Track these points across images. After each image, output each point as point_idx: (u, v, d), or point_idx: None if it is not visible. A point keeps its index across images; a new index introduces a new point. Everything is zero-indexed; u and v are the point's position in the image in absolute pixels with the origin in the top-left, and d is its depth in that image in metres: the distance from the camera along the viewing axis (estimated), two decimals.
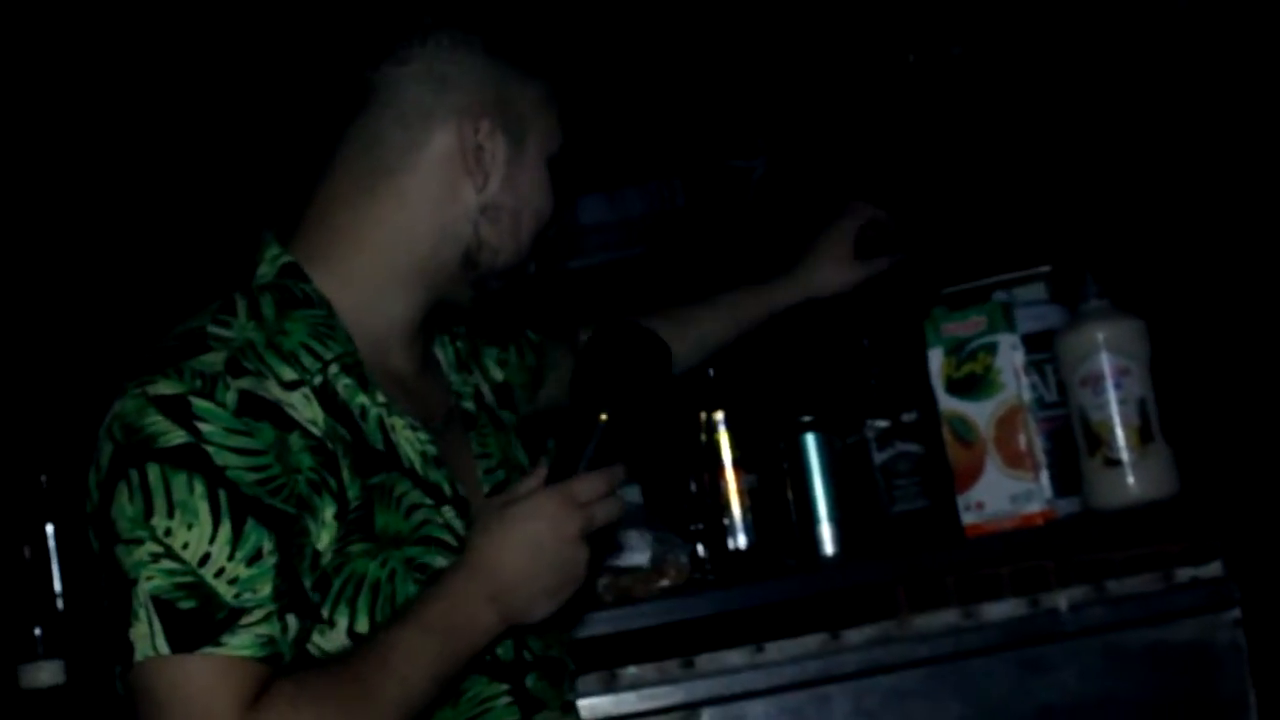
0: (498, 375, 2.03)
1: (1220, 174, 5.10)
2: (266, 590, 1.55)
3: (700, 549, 2.60)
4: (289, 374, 1.65)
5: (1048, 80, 5.33)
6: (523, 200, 1.79)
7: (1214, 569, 2.45)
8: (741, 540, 2.56)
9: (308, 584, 1.60)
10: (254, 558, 1.55)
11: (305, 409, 1.64)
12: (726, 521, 2.56)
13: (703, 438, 2.57)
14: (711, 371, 2.58)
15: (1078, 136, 5.31)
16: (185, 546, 1.54)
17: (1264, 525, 2.58)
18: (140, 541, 1.55)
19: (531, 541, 1.63)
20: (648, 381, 1.72)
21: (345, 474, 1.65)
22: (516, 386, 2.07)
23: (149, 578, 1.54)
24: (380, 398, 1.72)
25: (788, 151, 5.69)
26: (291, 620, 1.57)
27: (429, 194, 1.75)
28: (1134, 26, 5.18)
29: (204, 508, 1.55)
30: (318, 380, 1.68)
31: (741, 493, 2.56)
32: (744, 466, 2.57)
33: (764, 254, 5.46)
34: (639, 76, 5.52)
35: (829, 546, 2.54)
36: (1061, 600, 2.45)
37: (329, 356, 1.70)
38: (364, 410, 1.70)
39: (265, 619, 1.55)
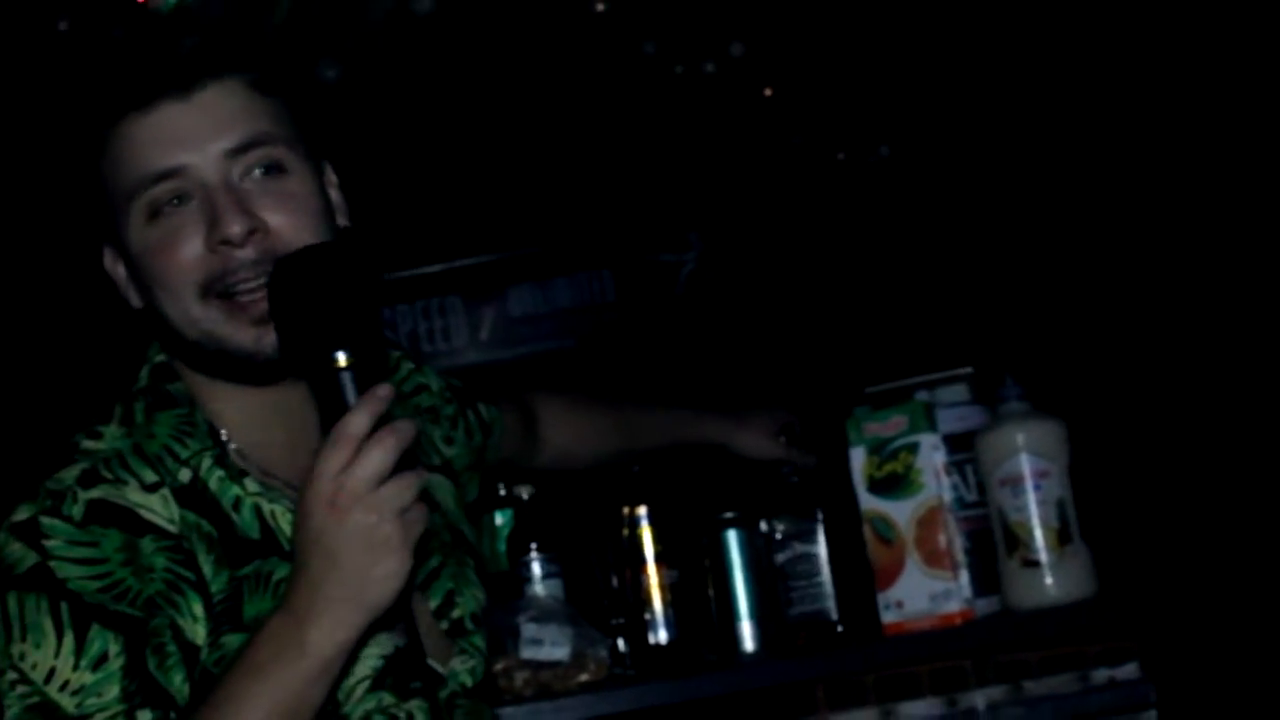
0: (446, 452, 2.03)
1: (1141, 281, 5.18)
2: (113, 692, 1.57)
3: (621, 644, 2.59)
4: (150, 477, 1.68)
5: (973, 181, 5.41)
6: (155, 284, 1.72)
7: (1130, 670, 2.47)
8: (662, 635, 2.55)
9: (179, 680, 1.61)
10: (99, 662, 1.58)
11: (163, 509, 1.67)
12: (648, 616, 2.56)
13: (625, 532, 2.57)
14: (636, 467, 2.59)
15: (1002, 239, 5.38)
16: (34, 667, 1.58)
17: (1180, 627, 2.60)
18: (3, 672, 1.60)
19: (315, 538, 1.52)
20: (355, 297, 1.55)
21: (207, 569, 1.66)
22: (462, 470, 2.06)
23: (9, 706, 1.59)
24: (253, 486, 1.73)
25: (718, 247, 5.73)
26: (144, 715, 1.58)
27: None
28: (1061, 130, 5.27)
29: (49, 623, 1.59)
30: (184, 477, 1.70)
31: (663, 588, 2.56)
32: (666, 562, 2.56)
33: (693, 348, 5.50)
34: (572, 168, 5.56)
35: (749, 643, 2.54)
36: (979, 700, 2.45)
37: (186, 455, 1.72)
38: (238, 501, 1.72)
39: (109, 718, 1.57)
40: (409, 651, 1.70)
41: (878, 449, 2.48)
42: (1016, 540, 2.42)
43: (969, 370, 2.59)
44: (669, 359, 5.46)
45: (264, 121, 1.72)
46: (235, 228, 1.67)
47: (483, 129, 5.47)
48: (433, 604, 1.82)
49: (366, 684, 1.70)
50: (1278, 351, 4.93)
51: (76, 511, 1.63)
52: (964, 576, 2.44)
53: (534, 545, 2.60)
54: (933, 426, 2.47)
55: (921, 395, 2.53)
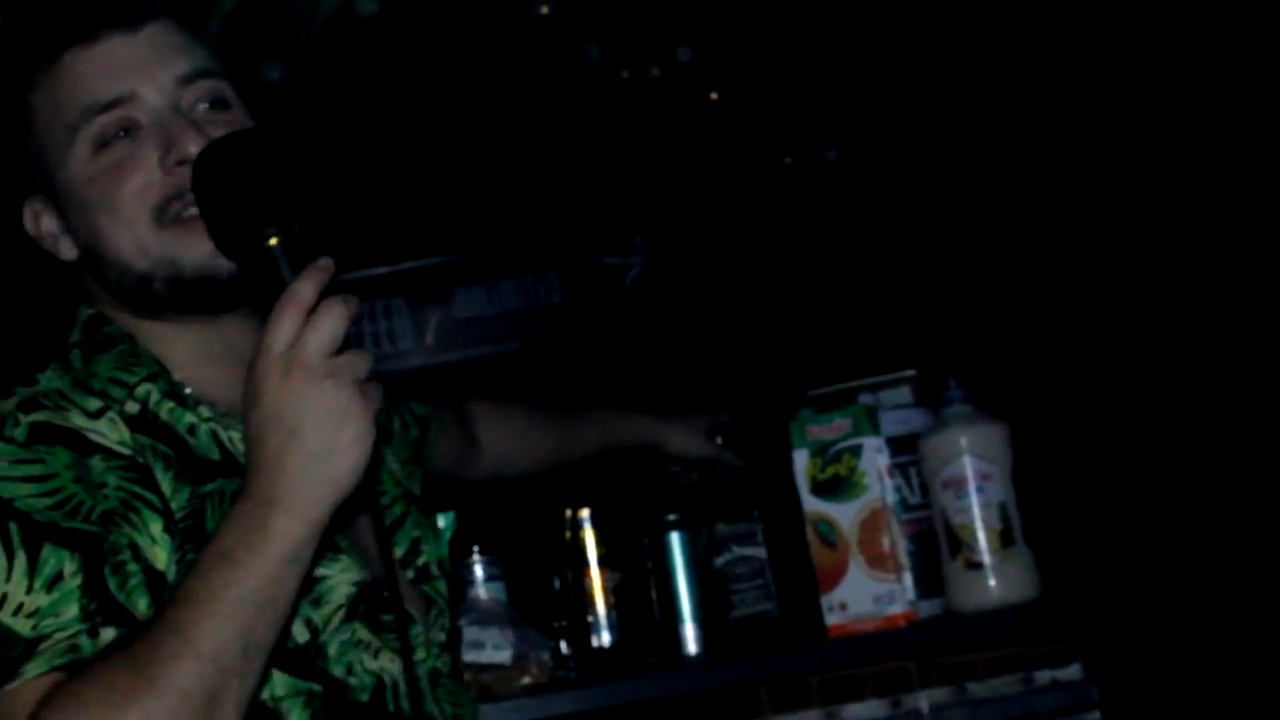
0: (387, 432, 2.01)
1: (1084, 283, 5.21)
2: (72, 612, 1.50)
3: (563, 646, 2.58)
4: (94, 404, 1.63)
5: (919, 185, 5.43)
6: (103, 214, 1.68)
7: (1073, 671, 2.47)
8: (605, 638, 2.55)
9: (144, 605, 1.54)
10: (54, 582, 1.51)
11: (111, 432, 1.61)
12: (590, 619, 2.55)
13: (568, 535, 2.57)
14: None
15: (948, 242, 5.40)
16: None
17: (1122, 628, 2.61)
18: None
19: (271, 413, 1.45)
20: (283, 175, 1.51)
21: (167, 485, 1.61)
22: (400, 464, 2.04)
23: None
24: (207, 413, 1.69)
25: (665, 250, 5.73)
26: (108, 633, 1.51)
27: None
28: (1005, 135, 5.30)
29: None
30: (132, 408, 1.65)
31: (606, 590, 2.55)
32: (609, 564, 2.56)
33: (639, 350, 5.49)
34: (518, 171, 5.55)
35: (692, 645, 2.53)
36: (923, 701, 2.46)
37: (134, 381, 1.67)
38: (193, 427, 1.67)
39: (70, 638, 1.50)
40: (377, 584, 1.66)
41: (821, 451, 2.48)
42: (960, 542, 2.42)
43: (913, 373, 2.60)
44: (615, 361, 5.46)
45: (208, 58, 1.72)
46: (193, 146, 1.63)
47: (428, 131, 5.45)
48: (399, 551, 1.80)
49: (342, 612, 1.66)
50: (1219, 355, 4.97)
51: (19, 434, 1.57)
52: (907, 578, 2.45)
53: (476, 548, 2.59)
54: (876, 429, 2.47)
55: (865, 398, 2.54)
